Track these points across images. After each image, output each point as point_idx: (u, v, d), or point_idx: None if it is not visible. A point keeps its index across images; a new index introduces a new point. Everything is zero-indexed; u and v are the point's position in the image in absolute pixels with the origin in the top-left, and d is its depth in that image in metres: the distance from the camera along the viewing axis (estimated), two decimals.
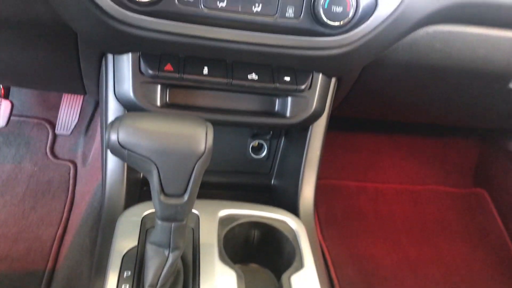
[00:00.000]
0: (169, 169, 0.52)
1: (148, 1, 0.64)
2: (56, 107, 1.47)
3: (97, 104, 1.50)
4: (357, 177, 1.55)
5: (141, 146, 0.50)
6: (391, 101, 1.11)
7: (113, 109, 0.81)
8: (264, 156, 1.03)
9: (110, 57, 0.78)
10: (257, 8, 0.69)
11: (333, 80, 0.85)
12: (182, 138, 0.51)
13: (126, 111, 0.80)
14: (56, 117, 1.45)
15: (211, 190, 0.91)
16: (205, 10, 0.68)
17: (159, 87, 0.77)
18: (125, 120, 0.51)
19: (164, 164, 0.51)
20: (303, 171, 0.90)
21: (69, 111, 1.43)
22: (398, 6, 0.73)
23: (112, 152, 0.52)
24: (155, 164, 0.51)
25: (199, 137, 0.51)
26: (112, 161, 0.83)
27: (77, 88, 1.02)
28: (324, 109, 0.86)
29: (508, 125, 1.33)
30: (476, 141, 1.66)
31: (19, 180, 1.29)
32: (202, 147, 0.51)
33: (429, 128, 1.63)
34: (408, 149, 1.63)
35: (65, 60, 0.86)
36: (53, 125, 1.46)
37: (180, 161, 0.52)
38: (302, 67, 0.79)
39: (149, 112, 0.76)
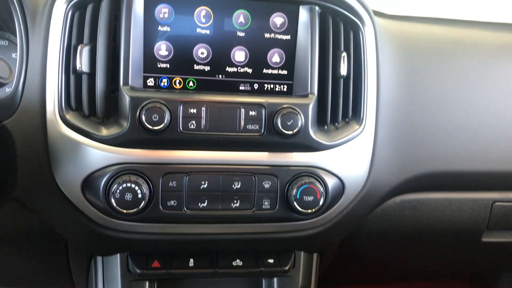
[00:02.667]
0: None
1: (133, 211, 0.70)
2: None
3: None
4: None
5: None
6: (373, 262, 1.14)
7: None
8: None
9: (99, 258, 0.81)
10: (235, 204, 0.75)
11: (315, 255, 0.89)
12: None
13: None
14: None
15: None
16: (188, 212, 0.74)
17: (147, 283, 0.79)
18: None
19: None
20: None
21: None
22: (364, 186, 0.81)
23: None
24: None
25: None
26: None
27: (66, 283, 1.02)
28: (310, 283, 0.88)
29: (494, 269, 1.35)
30: (465, 283, 1.65)
31: None
32: None
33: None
34: None
35: (56, 263, 0.89)
36: None
37: None
38: (284, 248, 0.83)
39: None
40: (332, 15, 0.75)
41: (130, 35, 0.71)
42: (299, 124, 0.72)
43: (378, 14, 0.87)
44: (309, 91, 0.76)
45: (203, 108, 0.72)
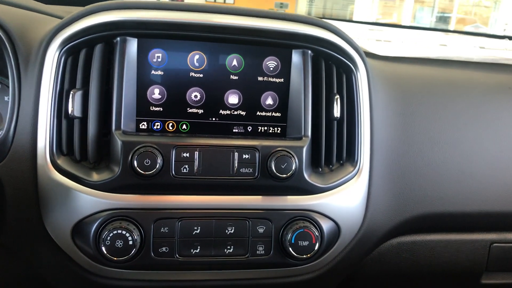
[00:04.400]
0: None
1: (124, 259, 0.68)
2: None
3: None
4: None
5: None
6: None
7: None
8: None
9: None
10: (229, 250, 0.74)
11: None
12: None
13: None
14: None
15: None
16: (180, 258, 0.72)
17: None
18: None
19: None
20: None
21: None
22: (360, 229, 0.79)
23: None
24: None
25: None
26: None
27: None
28: None
29: None
30: None
31: None
32: None
33: None
34: None
35: None
36: None
37: None
38: None
39: None
40: (324, 58, 0.75)
41: (123, 80, 0.71)
42: (293, 167, 0.71)
43: (371, 55, 0.88)
44: (303, 133, 0.75)
45: (196, 152, 0.71)
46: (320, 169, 0.77)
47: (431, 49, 1.02)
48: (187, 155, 0.70)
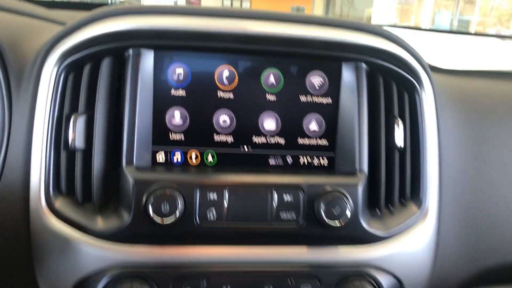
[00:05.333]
0: None
1: None
2: None
3: None
4: None
5: None
6: None
7: None
8: None
9: None
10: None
11: None
12: None
13: None
14: None
15: None
16: None
17: None
18: None
19: None
20: None
21: None
22: (426, 284, 0.64)
23: None
24: None
25: None
26: None
27: None
28: None
29: None
30: None
31: None
32: None
33: None
34: None
35: None
36: None
37: None
38: None
39: None
40: (382, 73, 0.61)
41: (136, 101, 0.57)
42: (348, 212, 0.56)
43: (433, 69, 0.73)
44: (357, 167, 0.60)
45: (226, 192, 0.56)
46: (378, 211, 0.62)
47: (502, 60, 0.86)
48: (215, 196, 0.56)
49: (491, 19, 9.00)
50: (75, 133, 0.57)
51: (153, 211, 0.54)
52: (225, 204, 0.57)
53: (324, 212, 0.57)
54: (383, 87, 0.63)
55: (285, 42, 0.60)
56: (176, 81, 0.59)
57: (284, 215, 0.58)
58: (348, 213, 0.57)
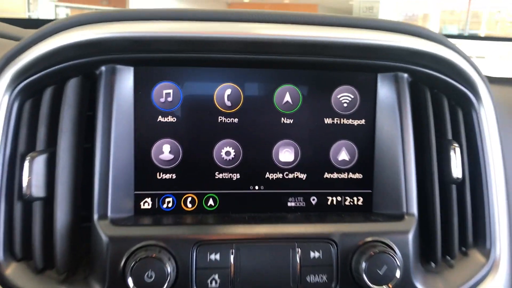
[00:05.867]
0: None
1: None
2: None
3: None
4: None
5: None
6: None
7: None
8: None
9: None
10: None
11: None
12: None
13: None
14: None
15: None
16: None
17: None
18: None
19: None
20: None
21: None
22: None
23: None
24: None
25: None
26: None
27: None
28: None
29: None
30: None
31: None
32: None
33: None
34: None
35: None
36: None
37: None
38: None
39: None
40: (429, 86, 0.46)
41: (111, 133, 0.44)
42: (397, 273, 0.41)
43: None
44: (403, 208, 0.46)
45: (232, 250, 0.42)
46: (434, 265, 0.47)
47: None
48: (218, 256, 0.42)
49: (497, 32, 8.95)
50: (32, 177, 0.43)
51: (134, 282, 0.39)
52: (232, 267, 0.42)
53: (366, 273, 0.42)
54: (432, 103, 0.49)
55: (303, 50, 0.46)
56: (164, 104, 0.46)
57: (312, 279, 0.43)
58: (398, 272, 0.42)
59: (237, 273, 0.43)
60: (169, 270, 0.40)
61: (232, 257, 0.43)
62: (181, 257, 0.42)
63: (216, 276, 0.43)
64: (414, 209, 0.47)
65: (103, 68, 0.45)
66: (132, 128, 0.46)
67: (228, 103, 0.48)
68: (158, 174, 0.47)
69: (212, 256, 0.43)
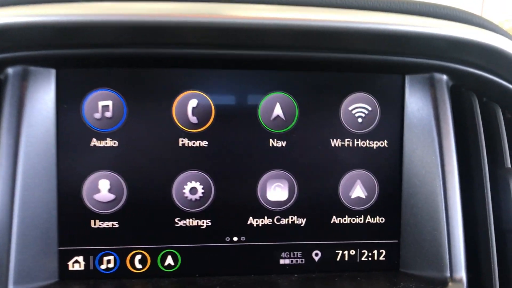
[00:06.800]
0: None
1: None
2: None
3: None
4: None
5: None
6: None
7: None
8: None
9: None
10: None
11: None
12: None
13: None
14: None
15: None
16: None
17: None
18: None
19: None
20: None
21: None
22: None
23: None
24: None
25: None
26: None
27: None
28: None
29: None
30: None
31: None
32: None
33: None
34: None
35: None
36: None
37: None
38: None
39: None
40: (479, 92, 0.32)
41: (17, 162, 0.30)
42: None
43: None
44: (447, 271, 0.31)
45: None
46: None
47: None
48: None
49: None
50: None
51: None
52: None
53: None
54: (480, 117, 0.34)
55: (299, 41, 0.32)
56: (100, 122, 0.32)
57: None
58: None
59: None
60: None
61: None
62: None
63: None
64: (462, 271, 0.32)
65: (9, 70, 0.31)
66: (53, 157, 0.32)
67: (194, 120, 0.34)
68: (92, 222, 0.33)
69: None
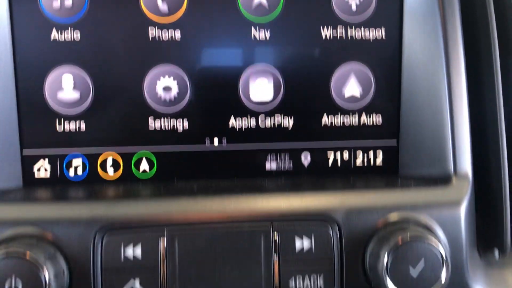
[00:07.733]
0: None
1: None
2: None
3: None
4: None
5: None
6: None
7: None
8: None
9: None
10: None
11: None
12: None
13: None
14: None
15: None
16: None
17: None
18: None
19: None
20: None
21: None
22: None
23: None
24: None
25: None
26: None
27: None
28: None
29: None
30: None
31: None
32: None
33: None
34: None
35: None
36: None
37: None
38: None
39: None
40: None
41: None
42: (443, 274, 0.23)
43: None
44: (450, 167, 0.28)
45: (164, 241, 0.25)
46: (498, 254, 0.29)
47: None
48: (138, 251, 0.24)
49: None
50: None
51: None
52: (163, 267, 0.25)
53: (389, 273, 0.24)
54: (493, 6, 0.30)
55: None
56: (60, 11, 0.31)
57: (298, 284, 0.26)
58: (444, 273, 0.24)
59: (171, 277, 0.26)
60: (48, 277, 0.23)
61: (163, 250, 0.26)
62: (76, 253, 0.25)
63: (137, 284, 0.25)
64: (468, 166, 0.29)
65: None
66: (9, 52, 0.29)
67: (164, 8, 0.30)
68: (57, 122, 0.30)
69: (130, 251, 0.25)
